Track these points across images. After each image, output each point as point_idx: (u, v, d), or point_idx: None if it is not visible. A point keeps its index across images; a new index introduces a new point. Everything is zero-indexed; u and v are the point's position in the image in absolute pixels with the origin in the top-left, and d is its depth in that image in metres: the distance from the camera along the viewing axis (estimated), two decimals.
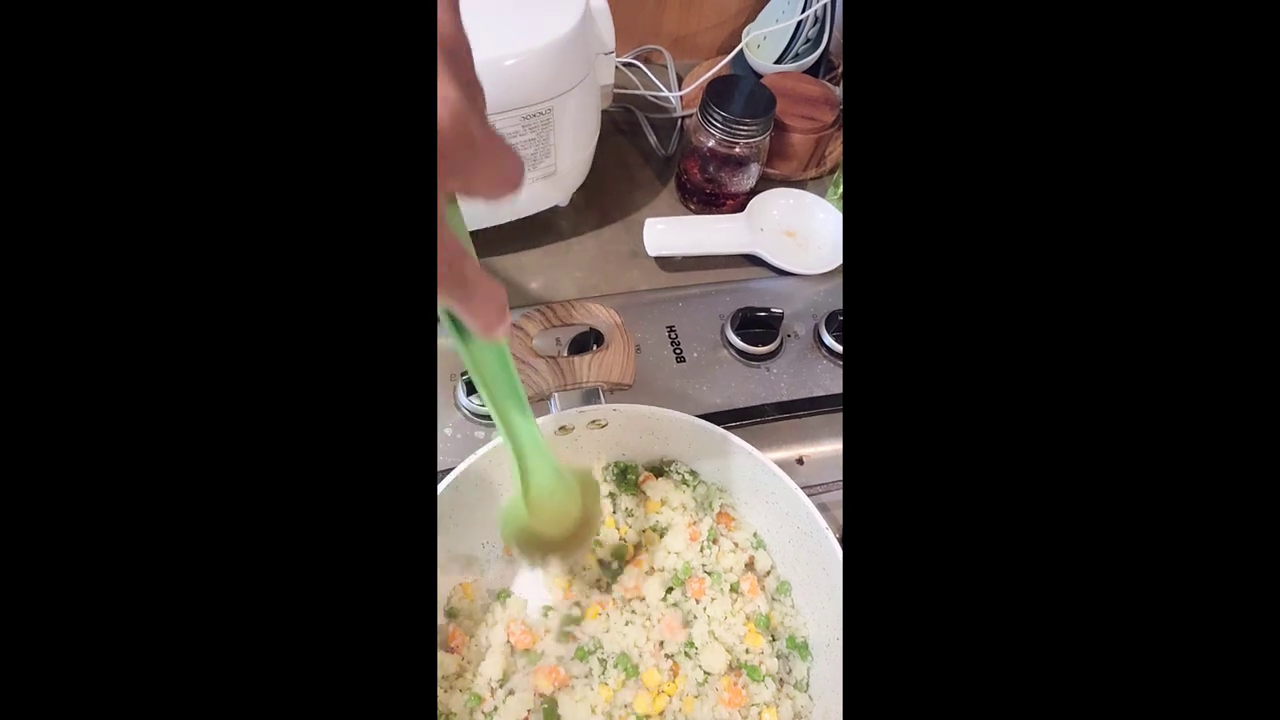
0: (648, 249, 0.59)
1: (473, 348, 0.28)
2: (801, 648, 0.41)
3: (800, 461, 0.52)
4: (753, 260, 0.63)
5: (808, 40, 0.72)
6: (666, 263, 0.62)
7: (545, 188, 0.57)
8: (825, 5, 0.70)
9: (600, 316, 0.42)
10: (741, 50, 0.72)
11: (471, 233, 0.28)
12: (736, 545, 0.44)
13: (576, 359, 0.43)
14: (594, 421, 0.41)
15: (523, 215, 0.59)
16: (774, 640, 0.41)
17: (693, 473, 0.46)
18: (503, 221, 0.57)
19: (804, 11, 0.69)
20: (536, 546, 0.36)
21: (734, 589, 0.42)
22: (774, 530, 0.44)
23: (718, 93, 0.59)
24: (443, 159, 0.19)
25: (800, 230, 0.65)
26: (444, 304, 0.24)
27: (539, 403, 0.46)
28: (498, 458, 0.39)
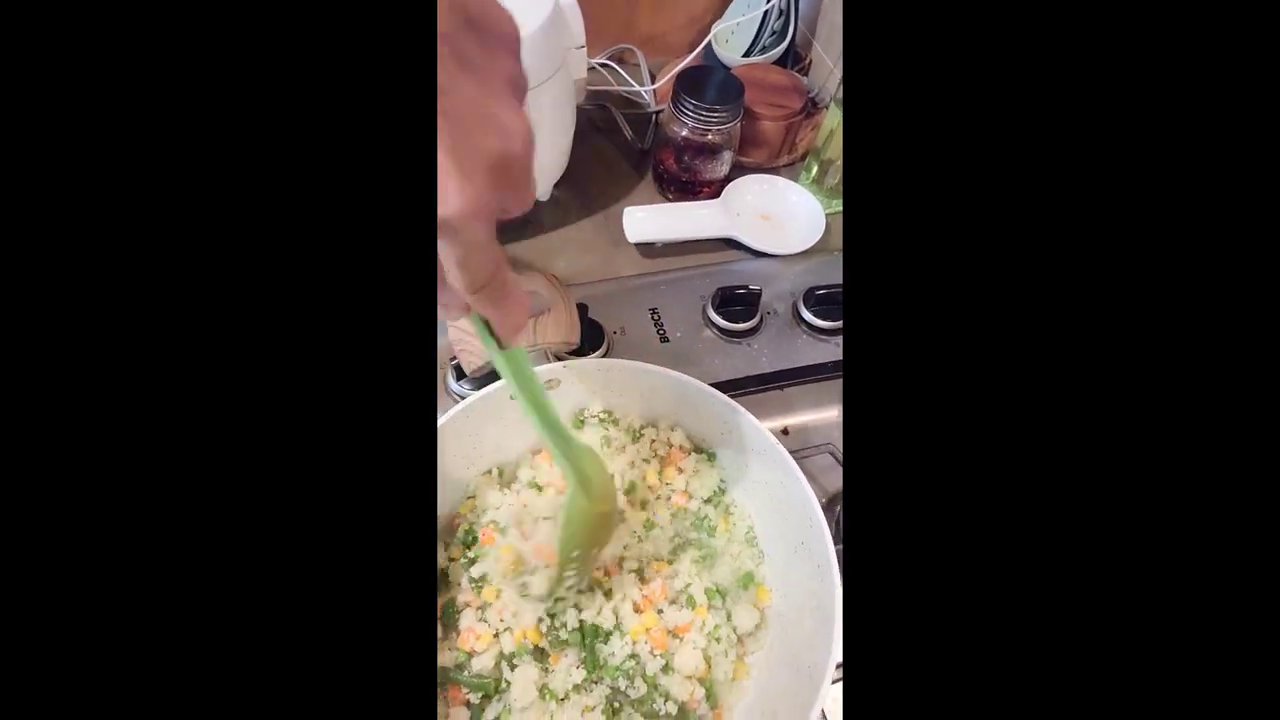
0: (628, 236, 0.61)
1: (504, 355, 0.31)
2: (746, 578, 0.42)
3: (785, 431, 0.53)
4: (730, 244, 0.65)
5: (774, 33, 0.75)
6: (647, 249, 0.63)
7: None
8: None
9: (538, 281, 0.42)
10: (710, 44, 0.75)
11: None
12: (681, 470, 0.44)
13: None
14: (548, 382, 0.42)
15: None
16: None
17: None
18: None
19: (769, 2, 0.72)
20: (594, 535, 0.37)
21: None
22: (729, 452, 0.44)
23: (689, 83, 0.62)
24: (511, 182, 0.21)
25: (775, 213, 0.67)
26: (482, 309, 0.26)
27: (486, 375, 0.46)
28: (461, 423, 0.40)
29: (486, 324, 0.29)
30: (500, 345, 0.30)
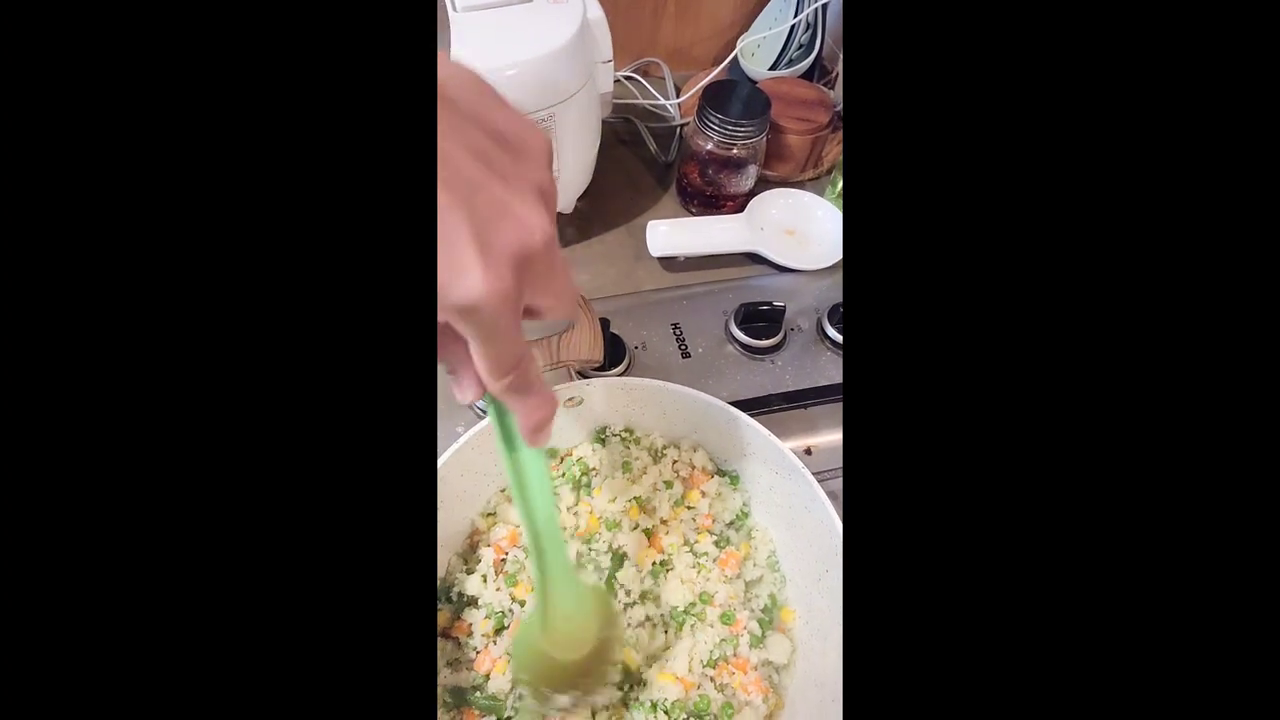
0: (651, 250, 0.60)
1: (517, 455, 0.30)
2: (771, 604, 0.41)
3: (808, 451, 0.52)
4: (754, 259, 0.64)
5: (800, 46, 0.74)
6: (670, 263, 0.63)
7: None
8: (816, 10, 0.72)
9: None
10: (736, 58, 0.74)
11: None
12: (704, 494, 0.43)
13: (544, 342, 0.43)
14: (570, 399, 0.41)
15: None
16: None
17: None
18: None
19: (796, 16, 0.71)
20: (547, 676, 0.34)
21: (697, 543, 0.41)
22: (752, 475, 0.43)
23: (714, 96, 0.61)
24: (536, 277, 0.22)
25: (800, 228, 0.66)
26: (506, 399, 0.26)
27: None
28: (480, 445, 0.39)
29: (501, 422, 0.28)
30: (511, 447, 0.29)
